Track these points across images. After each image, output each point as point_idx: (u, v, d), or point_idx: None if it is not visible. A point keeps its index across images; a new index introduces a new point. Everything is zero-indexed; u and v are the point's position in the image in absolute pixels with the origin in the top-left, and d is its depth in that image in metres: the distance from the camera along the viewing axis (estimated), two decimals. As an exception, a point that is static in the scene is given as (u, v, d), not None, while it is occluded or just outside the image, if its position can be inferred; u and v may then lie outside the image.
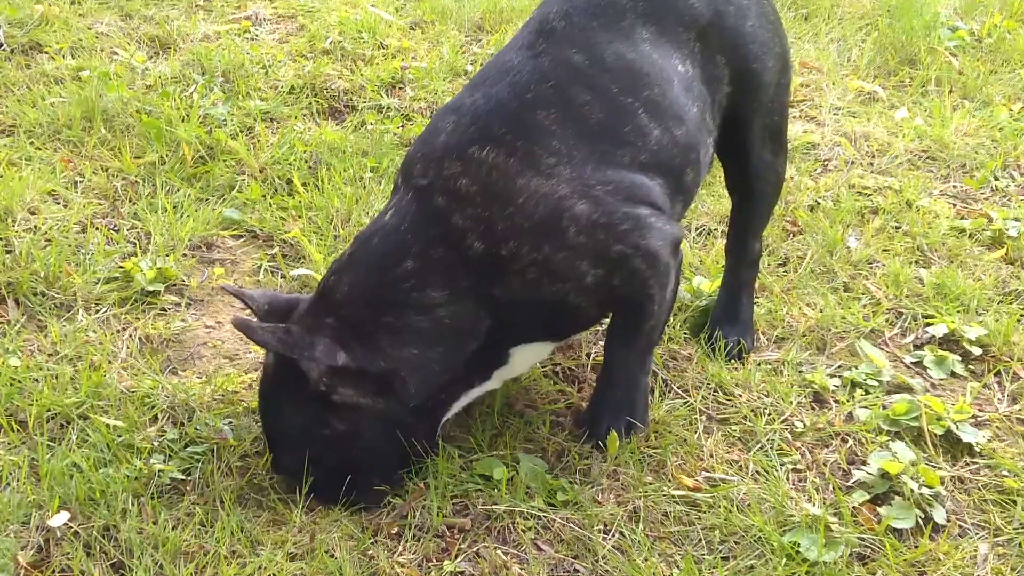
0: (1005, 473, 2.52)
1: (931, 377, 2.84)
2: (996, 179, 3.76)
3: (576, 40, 2.48)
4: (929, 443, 2.59)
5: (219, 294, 3.07)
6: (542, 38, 2.49)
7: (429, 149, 2.42)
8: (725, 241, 2.99)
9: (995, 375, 2.84)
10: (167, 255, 3.14)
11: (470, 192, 2.33)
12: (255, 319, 2.47)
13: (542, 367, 2.78)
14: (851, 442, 2.61)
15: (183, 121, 3.73)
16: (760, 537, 2.33)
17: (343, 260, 2.42)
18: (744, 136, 2.77)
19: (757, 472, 2.51)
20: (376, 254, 2.37)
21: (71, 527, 2.29)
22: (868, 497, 2.44)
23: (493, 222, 2.32)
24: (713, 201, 3.49)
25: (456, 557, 2.29)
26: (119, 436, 2.52)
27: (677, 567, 2.27)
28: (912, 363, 2.89)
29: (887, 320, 3.04)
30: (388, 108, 4.03)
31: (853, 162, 3.84)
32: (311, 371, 2.29)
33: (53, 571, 2.21)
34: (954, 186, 3.73)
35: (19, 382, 2.65)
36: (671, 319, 2.95)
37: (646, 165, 2.44)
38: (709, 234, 3.40)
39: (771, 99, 2.77)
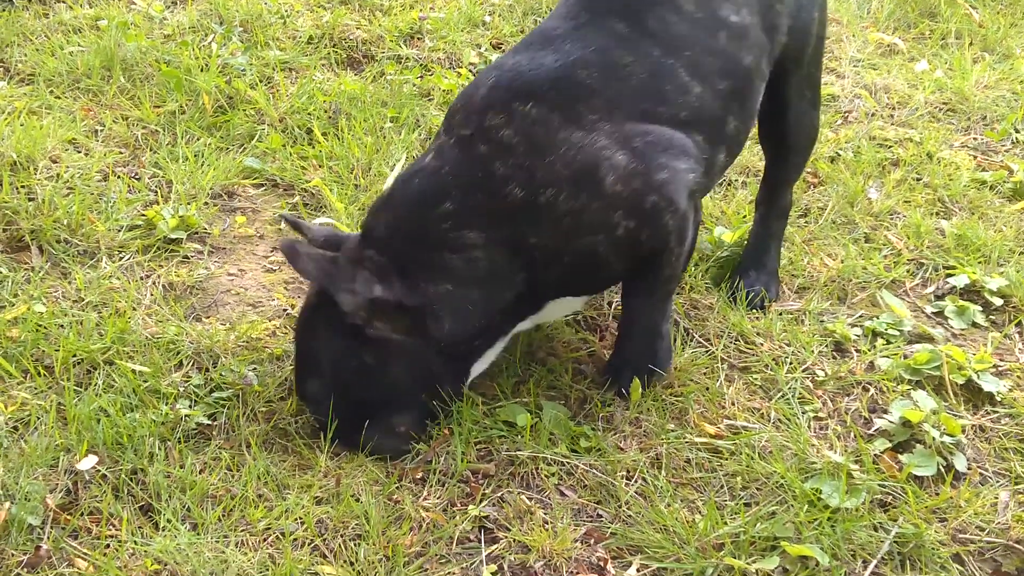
0: (1026, 422, 2.53)
1: (952, 327, 2.84)
2: (1017, 131, 3.75)
3: (617, 6, 2.50)
4: (950, 392, 2.59)
5: (241, 242, 3.08)
6: (584, 6, 2.51)
7: (471, 102, 2.45)
8: (757, 192, 2.99)
9: (1016, 325, 2.84)
10: (189, 203, 3.15)
11: (512, 143, 2.36)
12: None
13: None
14: (872, 391, 2.62)
15: (202, 71, 3.73)
16: (782, 484, 2.34)
17: (383, 199, 2.46)
18: (784, 87, 2.79)
19: (779, 420, 2.53)
20: (416, 193, 2.40)
21: (99, 470, 2.31)
22: (889, 445, 2.45)
23: (533, 170, 2.34)
24: (733, 152, 3.48)
25: (480, 502, 2.30)
26: (145, 381, 2.53)
27: (699, 513, 2.29)
28: (933, 313, 2.89)
29: (908, 271, 3.04)
30: (407, 58, 4.02)
31: (874, 114, 3.83)
32: (346, 304, 2.31)
33: (82, 513, 2.23)
34: (975, 138, 3.73)
35: (45, 328, 2.66)
36: (692, 269, 2.96)
37: (686, 123, 2.46)
38: (730, 185, 3.40)
39: (813, 50, 2.80)
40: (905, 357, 2.69)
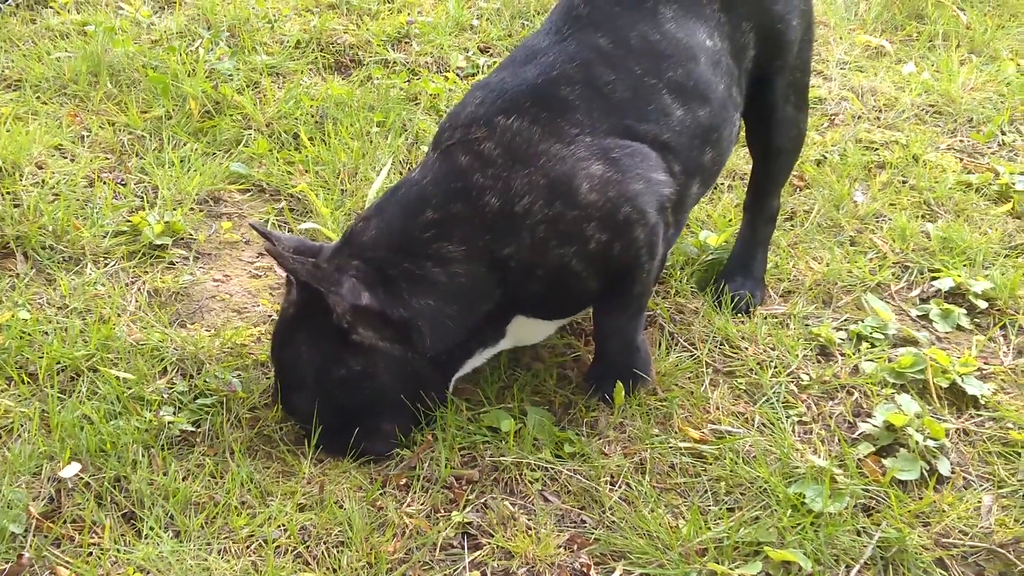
0: (1010, 425, 2.52)
1: (937, 330, 2.84)
2: (1003, 134, 3.76)
3: (601, 24, 2.52)
4: (934, 396, 2.59)
5: (227, 248, 3.07)
6: (568, 23, 2.54)
7: (456, 120, 2.48)
8: (745, 196, 3.00)
9: (1000, 328, 2.85)
10: (174, 209, 3.14)
11: (493, 155, 2.38)
12: None
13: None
14: (857, 395, 2.62)
15: (189, 76, 3.72)
16: (765, 488, 2.34)
17: (370, 208, 2.48)
18: (769, 93, 2.80)
19: (763, 424, 2.53)
20: (400, 203, 2.42)
21: (82, 478, 2.31)
22: (873, 449, 2.44)
23: (511, 180, 2.36)
24: (720, 155, 3.48)
25: (464, 508, 2.30)
26: (129, 388, 2.53)
27: (683, 518, 2.28)
28: (918, 316, 2.90)
29: (893, 274, 3.04)
30: (394, 63, 4.02)
31: (860, 117, 3.83)
32: (336, 306, 2.32)
33: (65, 521, 2.23)
34: (961, 140, 3.73)
35: (29, 335, 2.66)
36: (678, 273, 2.96)
37: (667, 145, 2.47)
38: (716, 188, 3.40)
39: (796, 56, 2.79)
40: (889, 361, 2.69)
